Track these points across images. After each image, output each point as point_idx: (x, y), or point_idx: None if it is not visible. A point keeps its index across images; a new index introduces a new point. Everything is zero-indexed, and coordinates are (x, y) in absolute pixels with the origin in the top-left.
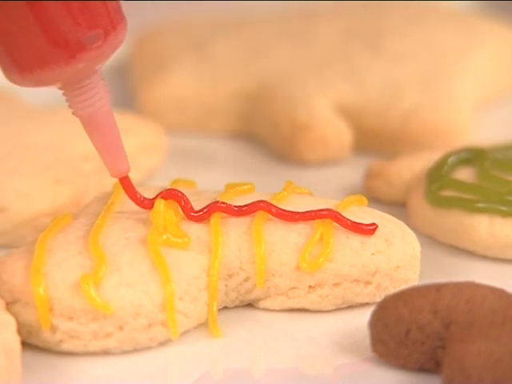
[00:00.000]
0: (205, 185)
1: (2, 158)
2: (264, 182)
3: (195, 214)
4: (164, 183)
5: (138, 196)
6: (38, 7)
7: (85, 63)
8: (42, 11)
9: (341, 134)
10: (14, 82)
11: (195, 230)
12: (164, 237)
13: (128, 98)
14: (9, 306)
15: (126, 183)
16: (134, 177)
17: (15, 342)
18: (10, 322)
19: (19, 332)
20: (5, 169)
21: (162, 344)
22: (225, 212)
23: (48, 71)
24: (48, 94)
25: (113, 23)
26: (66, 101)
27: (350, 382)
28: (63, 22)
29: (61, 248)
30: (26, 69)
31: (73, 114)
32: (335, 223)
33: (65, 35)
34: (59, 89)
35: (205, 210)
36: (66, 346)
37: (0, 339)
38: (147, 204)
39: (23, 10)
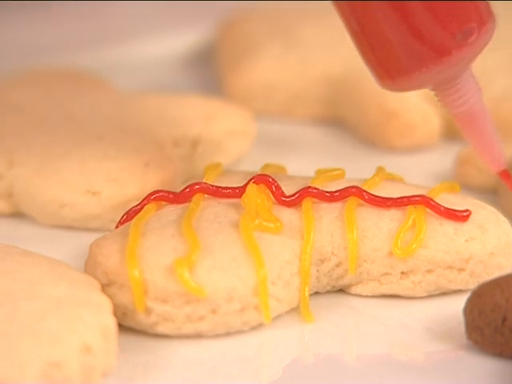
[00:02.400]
0: (292, 170)
1: (92, 143)
2: (353, 167)
3: (286, 199)
4: (252, 168)
5: None
6: (411, 9)
7: (459, 59)
8: (415, 13)
9: (429, 121)
10: (390, 89)
11: (286, 214)
12: (256, 221)
13: (215, 84)
14: (104, 288)
15: (505, 177)
16: (222, 162)
17: (112, 323)
18: (107, 304)
19: (115, 314)
20: (96, 153)
21: (255, 328)
22: (316, 197)
23: (425, 72)
24: (137, 80)
25: (483, 17)
26: (439, 101)
27: (443, 369)
28: (437, 19)
29: (154, 231)
30: (402, 73)
31: (449, 112)
32: (428, 209)
33: (440, 32)
34: (431, 90)
35: (296, 195)
36: (161, 329)
37: (97, 320)
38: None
39: (397, 14)
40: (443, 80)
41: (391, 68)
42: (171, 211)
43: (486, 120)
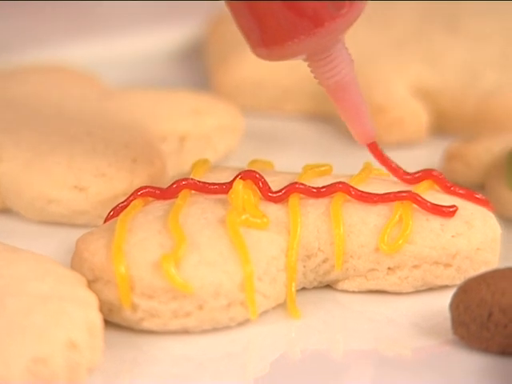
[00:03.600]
0: (280, 166)
1: (80, 138)
2: (340, 163)
3: (273, 195)
4: (240, 164)
5: (392, 164)
6: None
7: (332, 31)
8: None
9: (418, 116)
10: (262, 57)
11: (273, 210)
12: (243, 217)
13: (204, 79)
14: (90, 284)
15: (374, 149)
16: (210, 158)
17: (98, 319)
18: (93, 300)
19: (100, 310)
20: (84, 148)
21: (241, 324)
22: (303, 193)
23: (298, 42)
24: (126, 75)
25: None
26: (311, 71)
27: (429, 365)
28: None
29: (141, 227)
30: (275, 42)
31: (319, 83)
32: (415, 205)
33: (312, 4)
34: (304, 60)
35: (283, 191)
36: (147, 325)
37: (83, 316)
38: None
39: None
40: (316, 50)
41: (265, 37)
42: (158, 207)
43: (357, 92)
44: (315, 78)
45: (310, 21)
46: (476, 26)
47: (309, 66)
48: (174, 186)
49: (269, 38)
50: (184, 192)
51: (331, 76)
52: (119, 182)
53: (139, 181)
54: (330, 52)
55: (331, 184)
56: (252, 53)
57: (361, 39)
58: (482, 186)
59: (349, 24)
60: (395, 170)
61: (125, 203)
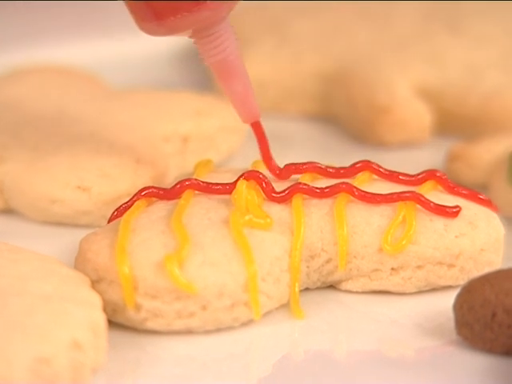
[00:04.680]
0: (283, 166)
1: (84, 139)
2: (344, 163)
3: (277, 195)
4: (243, 165)
5: (270, 153)
6: None
7: (214, 9)
8: None
9: (420, 117)
10: (148, 32)
11: (276, 211)
12: (246, 217)
13: (207, 80)
14: (94, 284)
15: (257, 128)
16: (213, 158)
17: (102, 319)
18: (96, 300)
19: (104, 310)
20: (87, 149)
21: (245, 324)
22: (306, 193)
23: (180, 18)
24: (129, 76)
25: None
26: (197, 49)
27: (433, 365)
28: None
29: (144, 228)
30: (160, 16)
31: (204, 62)
32: (418, 205)
33: None
34: (190, 37)
35: (286, 192)
36: (151, 325)
37: (87, 317)
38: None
39: None
40: (200, 28)
41: (149, 12)
42: (161, 207)
43: (241, 71)
44: (200, 55)
45: None
46: (478, 27)
47: (194, 43)
48: (178, 186)
49: (154, 13)
50: (187, 192)
51: (215, 54)
52: (122, 183)
53: (142, 181)
54: (214, 30)
55: (334, 184)
56: (139, 28)
57: (364, 39)
58: (485, 187)
59: (232, 3)
60: (269, 159)
61: (128, 203)
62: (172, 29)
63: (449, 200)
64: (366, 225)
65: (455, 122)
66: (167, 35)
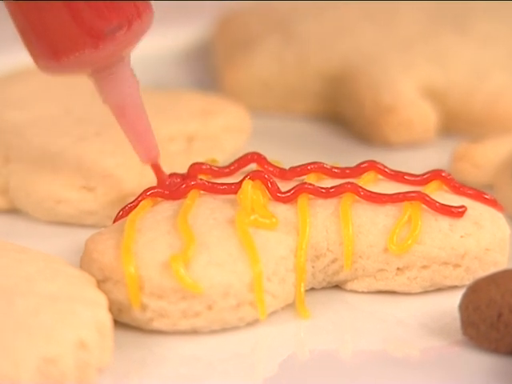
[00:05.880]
0: (288, 166)
1: (89, 139)
2: (349, 163)
3: (282, 195)
4: None
5: (167, 183)
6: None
7: (109, 50)
8: (72, 5)
9: (426, 117)
10: (47, 70)
11: (282, 211)
12: (252, 217)
13: (211, 80)
14: (100, 284)
15: (156, 169)
16: (218, 158)
17: (107, 319)
18: (102, 300)
19: (110, 310)
20: (92, 149)
21: (250, 324)
22: (312, 193)
23: (74, 58)
24: None
25: (138, 11)
26: (96, 89)
27: (438, 365)
28: (88, 13)
29: (150, 228)
30: (56, 53)
31: (102, 102)
32: (424, 205)
33: (90, 25)
34: (89, 76)
35: (292, 192)
36: (156, 325)
37: (93, 316)
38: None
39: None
40: (98, 68)
41: (44, 50)
42: (167, 207)
43: (140, 113)
44: (99, 95)
45: (85, 40)
46: (484, 27)
47: (93, 82)
48: (183, 186)
49: (48, 52)
50: (193, 192)
51: (113, 95)
52: (128, 183)
53: (147, 181)
54: (111, 71)
55: (340, 184)
56: (36, 66)
57: (369, 39)
58: (490, 187)
59: (130, 44)
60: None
61: (134, 203)
62: (69, 68)
63: (454, 200)
64: (372, 225)
65: (460, 122)
66: (64, 74)
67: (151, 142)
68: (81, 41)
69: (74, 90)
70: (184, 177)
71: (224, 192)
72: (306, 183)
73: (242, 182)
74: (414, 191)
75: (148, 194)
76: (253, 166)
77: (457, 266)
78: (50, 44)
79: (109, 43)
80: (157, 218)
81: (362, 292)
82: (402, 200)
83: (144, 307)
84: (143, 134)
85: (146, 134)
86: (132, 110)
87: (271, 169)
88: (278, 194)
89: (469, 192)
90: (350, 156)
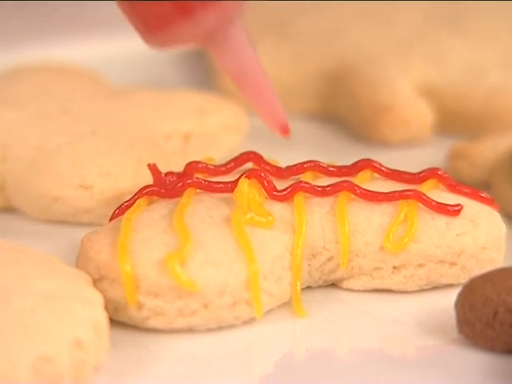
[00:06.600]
0: (285, 164)
1: (86, 137)
2: (346, 162)
3: (278, 194)
4: None
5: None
6: None
7: (216, 13)
8: None
9: (423, 115)
10: (153, 45)
11: (278, 209)
12: (248, 216)
13: (208, 78)
14: (96, 282)
15: (285, 132)
16: (215, 156)
17: (103, 318)
18: (98, 299)
19: (106, 308)
20: (89, 147)
21: (246, 322)
22: (308, 192)
23: (185, 24)
24: (130, 74)
25: None
26: (213, 58)
27: (434, 363)
28: None
29: (146, 226)
30: (162, 26)
31: (223, 72)
32: (420, 204)
33: None
34: (202, 47)
35: (288, 190)
36: (152, 323)
37: (89, 315)
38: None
39: None
40: (208, 34)
41: (151, 23)
42: (163, 206)
43: (262, 77)
44: (216, 63)
45: (187, 4)
46: (480, 25)
47: (209, 52)
48: (179, 184)
49: (154, 24)
50: (189, 191)
51: (231, 61)
52: (124, 181)
53: (144, 180)
54: (226, 36)
55: (336, 183)
56: (144, 42)
57: (366, 38)
58: (486, 185)
59: (236, 5)
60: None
61: (130, 202)
62: (180, 38)
63: (450, 198)
64: (368, 223)
65: (457, 121)
66: (176, 45)
67: (279, 107)
68: (174, 13)
69: (70, 88)
70: (180, 175)
71: (220, 190)
72: (302, 182)
73: (238, 180)
74: (411, 190)
75: (144, 192)
76: (249, 165)
77: (453, 264)
78: (143, 21)
79: (198, 12)
80: (153, 216)
81: (358, 290)
82: (398, 198)
83: (140, 306)
84: (270, 99)
85: (273, 98)
86: (254, 74)
87: (268, 167)
88: (275, 193)
89: (465, 190)
90: (347, 155)
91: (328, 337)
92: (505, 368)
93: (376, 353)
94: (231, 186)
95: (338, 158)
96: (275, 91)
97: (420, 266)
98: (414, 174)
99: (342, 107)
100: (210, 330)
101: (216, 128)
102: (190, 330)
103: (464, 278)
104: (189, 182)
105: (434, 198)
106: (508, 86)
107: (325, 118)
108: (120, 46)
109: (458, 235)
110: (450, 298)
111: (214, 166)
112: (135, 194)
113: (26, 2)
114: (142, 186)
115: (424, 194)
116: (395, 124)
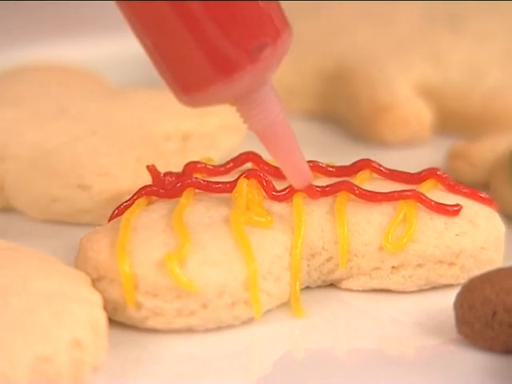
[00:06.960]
0: None
1: (85, 137)
2: (345, 162)
3: (277, 194)
4: None
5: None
6: (201, 25)
7: (254, 74)
8: (205, 28)
9: (422, 115)
10: (186, 105)
11: (277, 209)
12: (247, 216)
13: None
14: (95, 282)
15: (311, 192)
16: (214, 156)
17: (102, 318)
18: (97, 299)
19: (105, 309)
20: (88, 147)
21: (245, 322)
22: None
23: (220, 86)
24: (130, 74)
25: (277, 30)
26: (240, 116)
27: (433, 363)
28: (227, 34)
29: (145, 226)
30: (197, 88)
31: (248, 128)
32: (419, 204)
33: (231, 47)
34: (231, 105)
35: (287, 190)
36: (151, 323)
37: (88, 315)
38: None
39: (187, 30)
40: (242, 94)
41: (186, 83)
42: (162, 206)
43: (288, 136)
44: (244, 122)
45: (231, 65)
46: (479, 25)
47: (237, 110)
48: (178, 184)
49: (191, 85)
50: (188, 191)
51: (260, 120)
52: (123, 181)
53: (143, 180)
54: (256, 95)
55: (335, 183)
56: (177, 101)
57: (365, 39)
58: (486, 185)
59: (273, 66)
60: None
61: (129, 202)
62: (214, 99)
63: (449, 198)
64: (367, 223)
65: (456, 121)
66: (207, 106)
67: (303, 164)
68: (220, 70)
69: (70, 88)
70: (179, 175)
71: (219, 191)
72: None
73: (237, 180)
74: (410, 190)
75: (143, 192)
76: (248, 165)
77: (452, 264)
78: (179, 81)
79: (252, 67)
80: (152, 216)
81: (357, 290)
82: (397, 198)
83: (139, 306)
84: (294, 157)
85: (297, 157)
86: (279, 134)
87: (267, 167)
88: (274, 193)
89: (464, 190)
90: (346, 155)
91: (327, 337)
92: (503, 368)
93: (375, 353)
94: (230, 186)
95: (338, 158)
96: (299, 148)
97: (419, 266)
98: (413, 174)
99: (342, 107)
100: (208, 330)
101: (215, 128)
102: (189, 330)
103: (463, 278)
104: (188, 182)
105: (433, 198)
106: (507, 86)
107: (324, 118)
108: (120, 46)
109: (457, 235)
110: (448, 298)
111: (213, 166)
112: (134, 194)
113: (26, 2)
114: (141, 186)
115: (423, 194)
116: (394, 124)
